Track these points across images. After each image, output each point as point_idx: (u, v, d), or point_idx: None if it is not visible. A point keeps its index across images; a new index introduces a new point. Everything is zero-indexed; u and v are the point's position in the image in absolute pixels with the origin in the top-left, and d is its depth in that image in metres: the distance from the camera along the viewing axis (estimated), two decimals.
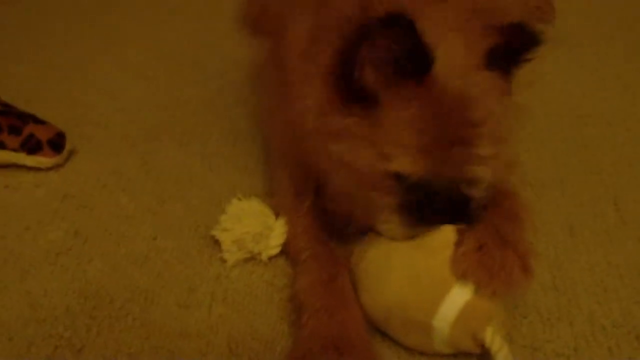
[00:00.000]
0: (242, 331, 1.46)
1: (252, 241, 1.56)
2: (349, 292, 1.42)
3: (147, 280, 1.57)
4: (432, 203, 1.31)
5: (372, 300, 1.39)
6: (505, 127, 1.33)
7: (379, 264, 1.39)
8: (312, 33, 1.38)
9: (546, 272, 1.58)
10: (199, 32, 2.47)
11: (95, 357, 1.41)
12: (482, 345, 1.30)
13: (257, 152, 1.89)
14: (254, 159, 1.88)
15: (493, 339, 1.29)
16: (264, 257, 1.57)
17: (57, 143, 1.86)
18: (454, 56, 1.26)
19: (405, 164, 1.25)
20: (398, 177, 1.28)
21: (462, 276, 1.30)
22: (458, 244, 1.34)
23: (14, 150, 1.84)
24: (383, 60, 1.21)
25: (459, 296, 1.30)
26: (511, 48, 1.31)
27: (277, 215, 1.61)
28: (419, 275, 1.33)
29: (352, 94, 1.27)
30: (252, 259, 1.59)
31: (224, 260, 1.59)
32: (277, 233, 1.57)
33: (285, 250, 1.58)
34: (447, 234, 1.34)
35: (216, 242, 1.61)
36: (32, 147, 1.85)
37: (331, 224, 1.51)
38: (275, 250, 1.57)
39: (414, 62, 1.20)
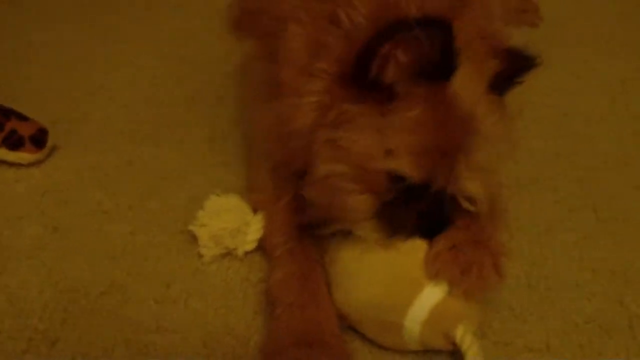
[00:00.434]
0: (217, 326, 1.46)
1: (229, 237, 1.57)
2: (322, 289, 1.43)
3: (123, 275, 1.57)
4: (418, 211, 1.32)
5: (345, 299, 1.40)
6: (502, 148, 1.35)
7: (352, 264, 1.40)
8: (310, 43, 1.38)
9: (520, 269, 1.59)
10: (184, 29, 2.46)
11: (69, 350, 1.41)
12: (454, 344, 1.31)
13: (236, 148, 1.90)
14: (233, 155, 1.89)
15: (464, 337, 1.30)
16: (241, 252, 1.58)
17: (39, 139, 1.87)
18: (467, 73, 1.28)
19: (404, 164, 1.26)
20: (392, 176, 1.28)
21: (434, 276, 1.31)
22: (431, 244, 1.35)
23: None
24: (409, 58, 1.22)
25: (430, 296, 1.31)
26: (510, 73, 1.36)
27: (254, 211, 1.61)
28: (391, 276, 1.34)
29: (366, 87, 1.28)
30: (229, 254, 1.60)
31: (201, 256, 1.60)
32: (254, 229, 1.57)
33: (262, 246, 1.58)
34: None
35: (194, 238, 1.61)
36: (14, 142, 1.85)
37: (305, 222, 1.50)
38: (251, 246, 1.58)
39: (441, 65, 1.22)
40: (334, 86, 1.31)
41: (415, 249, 1.35)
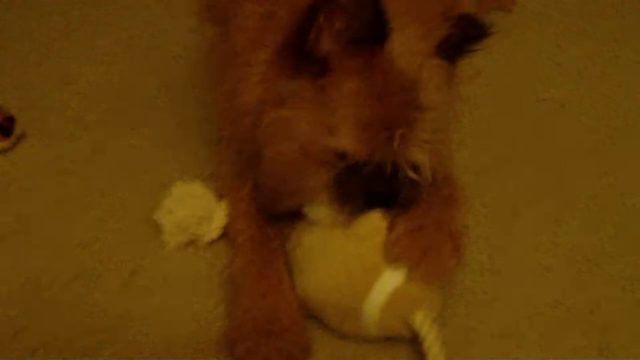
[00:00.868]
0: (181, 313, 1.48)
1: (195, 224, 1.57)
2: (284, 276, 1.44)
3: (90, 263, 1.58)
4: (367, 186, 1.32)
5: (306, 286, 1.40)
6: (448, 115, 1.35)
7: (313, 251, 1.40)
8: (262, 16, 1.38)
9: (484, 253, 1.59)
10: (157, 19, 2.45)
11: (33, 339, 1.43)
12: (413, 330, 1.31)
13: (206, 135, 1.89)
14: (202, 142, 1.88)
15: (423, 322, 1.30)
16: (206, 239, 1.58)
17: (5, 127, 1.85)
18: (409, 39, 1.28)
19: (348, 141, 1.26)
20: (338, 154, 1.28)
21: (394, 260, 1.31)
22: (390, 228, 1.35)
23: None
24: (341, 25, 1.22)
25: (389, 281, 1.31)
26: (460, 39, 1.33)
27: (220, 198, 1.61)
28: (351, 262, 1.34)
29: (303, 59, 1.28)
30: (194, 241, 1.60)
31: (166, 243, 1.59)
32: (218, 216, 1.58)
33: (226, 233, 1.59)
34: (377, 220, 1.35)
35: (160, 225, 1.60)
36: None
37: (260, 204, 1.51)
38: (216, 233, 1.58)
39: (372, 30, 1.21)
40: (276, 57, 1.31)
41: (375, 233, 1.34)
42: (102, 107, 2.02)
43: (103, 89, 2.09)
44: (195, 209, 1.57)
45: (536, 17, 2.42)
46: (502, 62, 2.18)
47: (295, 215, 1.45)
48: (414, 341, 1.35)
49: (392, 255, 1.31)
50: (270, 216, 1.53)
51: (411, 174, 1.31)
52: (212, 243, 1.60)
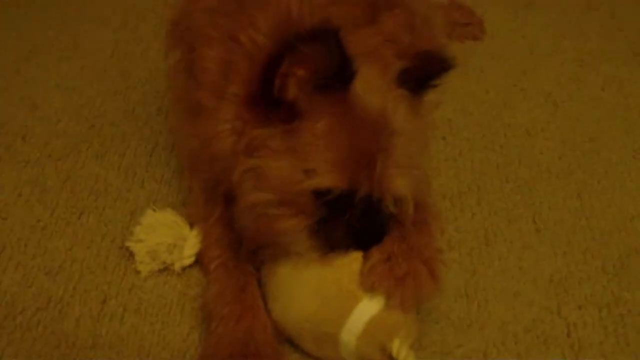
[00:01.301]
0: (153, 342, 1.46)
1: (166, 252, 1.56)
2: (258, 301, 1.43)
3: (60, 291, 1.56)
4: (350, 221, 1.31)
5: (282, 313, 1.40)
6: (418, 142, 1.36)
7: (289, 278, 1.40)
8: (222, 63, 1.38)
9: (459, 278, 1.59)
10: (124, 43, 2.45)
11: None
12: (390, 357, 1.31)
13: (174, 162, 1.88)
14: (171, 169, 1.87)
15: (400, 350, 1.30)
16: (178, 267, 1.57)
17: None
18: (369, 76, 1.29)
19: (326, 179, 1.26)
20: (318, 193, 1.28)
21: (370, 289, 1.31)
22: (366, 256, 1.35)
23: None
24: (307, 72, 1.23)
25: (366, 309, 1.31)
26: (422, 73, 1.36)
27: (191, 225, 1.60)
28: (327, 288, 1.34)
29: (271, 107, 1.28)
30: (166, 269, 1.59)
31: (137, 271, 1.58)
32: (190, 243, 1.56)
33: (199, 260, 1.58)
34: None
35: (131, 253, 1.60)
36: None
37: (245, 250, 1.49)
38: (189, 261, 1.57)
39: (337, 75, 1.22)
40: (243, 110, 1.32)
41: (351, 261, 1.34)
42: (68, 133, 2.01)
43: (69, 115, 2.08)
44: (167, 237, 1.56)
45: (503, 44, 2.45)
46: (471, 88, 2.20)
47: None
48: None
49: (368, 284, 1.31)
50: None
51: (393, 208, 1.32)
52: (184, 270, 1.58)
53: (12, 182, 1.85)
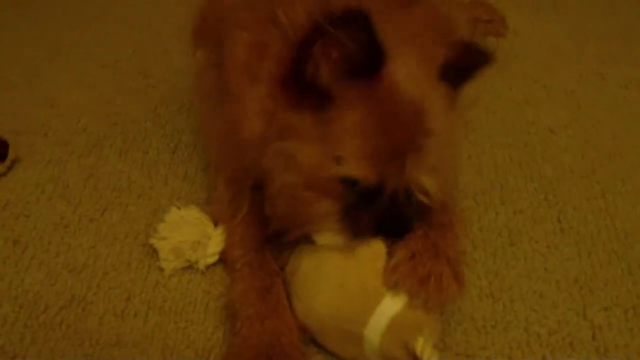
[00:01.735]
0: (177, 340, 1.45)
1: (190, 249, 1.55)
2: (283, 301, 1.43)
3: (83, 289, 1.56)
4: (376, 212, 1.30)
5: (306, 311, 1.39)
6: (453, 139, 1.35)
7: (312, 275, 1.39)
8: (254, 46, 1.37)
9: (483, 279, 1.58)
10: (145, 41, 2.45)
11: None
12: (414, 355, 1.30)
13: (197, 160, 1.89)
14: (194, 167, 1.88)
15: (424, 348, 1.28)
16: (202, 265, 1.57)
17: (0, 152, 1.84)
18: (409, 66, 1.27)
19: (355, 169, 1.25)
20: (346, 182, 1.27)
21: (393, 287, 1.30)
22: (390, 254, 1.34)
23: None
24: (338, 56, 1.21)
25: (389, 306, 1.30)
26: (462, 64, 1.33)
27: (215, 223, 1.60)
28: (351, 286, 1.33)
29: (304, 91, 1.27)
30: (190, 267, 1.59)
31: (161, 269, 1.58)
32: (214, 241, 1.56)
33: (223, 259, 1.57)
34: (377, 244, 1.35)
35: (154, 251, 1.60)
36: None
37: (267, 231, 1.49)
38: (212, 259, 1.57)
39: (367, 58, 1.20)
40: (275, 91, 1.30)
41: (375, 258, 1.34)
42: (90, 131, 2.02)
43: (90, 113, 2.09)
44: (191, 235, 1.56)
45: (526, 42, 2.44)
46: (494, 86, 2.19)
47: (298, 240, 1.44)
48: None
49: (392, 282, 1.30)
50: (270, 241, 1.51)
51: (423, 199, 1.30)
52: (208, 268, 1.58)
53: (35, 180, 1.85)
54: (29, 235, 1.69)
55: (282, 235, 1.43)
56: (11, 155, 1.87)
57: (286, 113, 1.29)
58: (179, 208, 1.62)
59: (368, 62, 1.21)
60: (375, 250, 1.35)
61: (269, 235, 1.50)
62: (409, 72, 1.26)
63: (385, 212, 1.31)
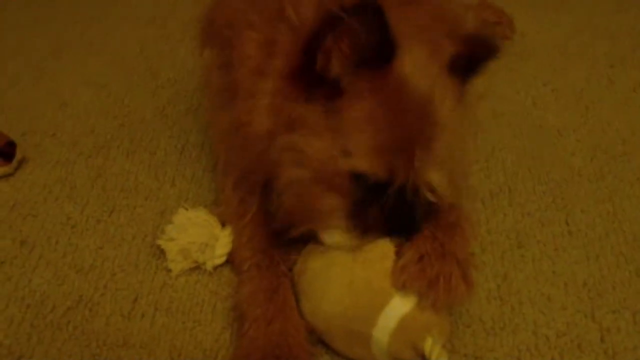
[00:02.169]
0: (184, 341, 1.45)
1: (198, 251, 1.55)
2: (290, 302, 1.42)
3: (91, 289, 1.56)
4: (384, 209, 1.30)
5: (314, 311, 1.39)
6: (462, 133, 1.34)
7: (321, 275, 1.39)
8: (263, 44, 1.37)
9: (491, 281, 1.58)
10: (152, 41, 2.46)
11: None
12: (422, 356, 1.30)
13: (205, 161, 1.89)
14: (201, 168, 1.88)
15: (432, 349, 1.29)
16: (209, 266, 1.57)
17: (7, 152, 1.85)
18: (419, 58, 1.27)
19: (363, 162, 1.25)
20: (355, 175, 1.27)
21: (402, 287, 1.30)
22: (398, 254, 1.34)
23: None
24: (349, 47, 1.20)
25: (398, 307, 1.30)
26: (471, 58, 1.32)
27: (223, 224, 1.60)
28: (359, 286, 1.33)
29: (314, 84, 1.26)
30: (198, 268, 1.59)
31: (169, 270, 1.58)
32: (222, 243, 1.56)
33: (230, 260, 1.57)
34: (385, 244, 1.35)
35: (162, 252, 1.60)
36: None
37: (274, 229, 1.49)
38: (220, 260, 1.57)
39: (378, 49, 1.20)
40: (284, 84, 1.29)
41: (383, 258, 1.34)
42: (97, 131, 2.03)
43: (98, 112, 2.10)
44: (199, 236, 1.56)
45: (533, 44, 2.44)
46: (501, 88, 2.19)
47: (305, 240, 1.44)
48: None
49: (400, 283, 1.30)
50: (279, 239, 1.51)
51: (430, 196, 1.29)
52: (216, 269, 1.58)
53: (42, 181, 1.86)
54: (37, 235, 1.69)
55: (287, 230, 1.43)
56: (18, 155, 1.87)
57: (295, 106, 1.28)
58: (186, 209, 1.62)
59: (379, 54, 1.21)
60: (383, 250, 1.34)
61: (275, 232, 1.50)
62: (418, 65, 1.26)
63: (394, 210, 1.30)
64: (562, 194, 1.84)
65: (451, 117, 1.28)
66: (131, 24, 2.56)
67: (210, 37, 1.63)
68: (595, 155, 1.98)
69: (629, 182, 1.89)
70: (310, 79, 1.26)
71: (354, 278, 1.33)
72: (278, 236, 1.50)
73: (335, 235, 1.36)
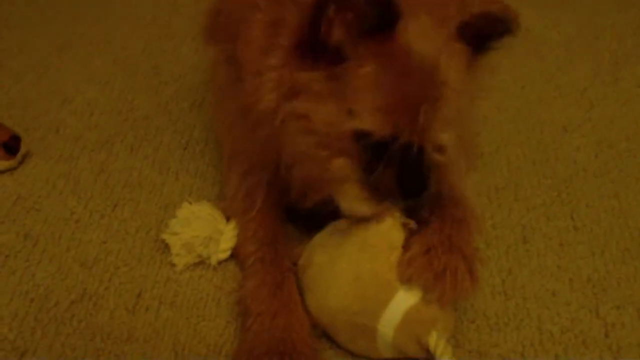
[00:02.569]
0: (188, 335, 1.45)
1: (202, 245, 1.55)
2: (295, 297, 1.42)
3: (95, 284, 1.55)
4: (394, 171, 1.29)
5: (318, 304, 1.39)
6: (468, 98, 1.35)
7: (326, 268, 1.39)
8: (269, 24, 1.37)
9: (496, 276, 1.58)
10: (155, 38, 2.45)
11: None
12: (427, 350, 1.30)
13: (209, 155, 1.89)
14: (205, 163, 1.88)
15: (437, 343, 1.29)
16: (213, 261, 1.56)
17: (11, 146, 1.84)
18: (424, 25, 1.26)
19: (368, 121, 1.24)
20: (359, 136, 1.26)
21: (407, 281, 1.30)
22: (405, 248, 1.34)
23: None
24: (351, 16, 1.20)
25: (403, 300, 1.30)
26: (482, 31, 1.32)
27: (227, 219, 1.60)
28: (364, 279, 1.32)
29: (318, 52, 1.26)
30: (202, 263, 1.59)
31: (173, 264, 1.58)
32: (226, 237, 1.56)
33: (235, 255, 1.57)
34: (393, 235, 1.34)
35: (166, 246, 1.60)
36: None
37: (289, 203, 1.52)
38: (224, 255, 1.57)
39: (381, 17, 1.20)
40: (290, 58, 1.29)
41: (388, 251, 1.33)
42: (101, 126, 2.03)
43: (101, 108, 2.10)
44: (203, 230, 1.56)
45: (538, 40, 2.43)
46: (506, 84, 2.19)
47: (313, 225, 1.47)
48: None
49: (407, 276, 1.30)
50: (290, 218, 1.56)
51: (436, 156, 1.29)
52: (220, 264, 1.58)
53: (46, 175, 1.85)
54: (40, 229, 1.69)
55: (303, 201, 1.44)
56: (23, 149, 1.86)
57: (299, 74, 1.28)
58: (190, 203, 1.62)
59: (382, 22, 1.21)
60: (390, 242, 1.34)
61: (290, 207, 1.54)
62: (423, 30, 1.26)
63: (403, 171, 1.29)
64: (567, 189, 1.84)
65: (456, 78, 1.28)
66: (134, 22, 2.56)
67: (216, 31, 1.63)
68: (600, 151, 1.98)
69: (634, 178, 1.89)
70: (314, 49, 1.26)
71: (359, 271, 1.33)
72: (293, 212, 1.53)
73: (352, 203, 1.35)
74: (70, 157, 1.91)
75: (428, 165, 1.31)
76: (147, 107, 2.11)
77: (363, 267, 1.33)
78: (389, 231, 1.35)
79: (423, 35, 1.25)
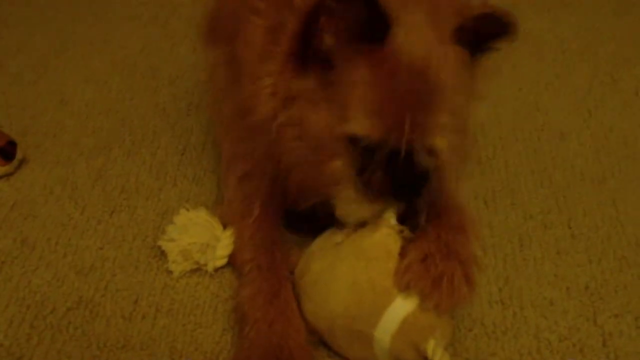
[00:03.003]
0: (185, 343, 1.45)
1: (199, 252, 1.55)
2: (291, 304, 1.42)
3: (91, 291, 1.55)
4: (389, 173, 1.29)
5: (315, 311, 1.39)
6: (464, 101, 1.34)
7: (324, 275, 1.39)
8: (269, 30, 1.37)
9: (493, 284, 1.57)
10: (154, 39, 2.45)
11: None
12: (425, 358, 1.30)
13: (206, 161, 1.89)
14: (203, 168, 1.88)
15: (435, 351, 1.28)
16: (210, 268, 1.56)
17: (7, 152, 1.84)
18: (416, 28, 1.26)
19: (360, 125, 1.25)
20: (353, 140, 1.27)
21: (405, 288, 1.29)
22: (402, 254, 1.33)
23: None
24: (341, 26, 1.22)
25: (401, 307, 1.30)
26: (480, 33, 1.31)
27: (224, 225, 1.59)
28: (362, 286, 1.32)
29: (310, 59, 1.27)
30: (199, 270, 1.58)
31: (169, 271, 1.58)
32: (223, 244, 1.55)
33: (232, 262, 1.57)
34: (389, 243, 1.34)
35: (163, 253, 1.59)
36: None
37: (287, 207, 1.52)
38: (221, 261, 1.56)
39: (371, 27, 1.21)
40: (286, 66, 1.30)
41: (385, 258, 1.33)
42: (98, 130, 2.02)
43: (99, 110, 2.10)
44: (200, 237, 1.55)
45: (536, 45, 2.43)
46: (503, 89, 2.18)
47: (311, 230, 1.47)
48: None
49: (403, 283, 1.30)
50: (287, 225, 1.55)
51: (427, 159, 1.29)
52: (217, 271, 1.57)
53: (43, 181, 1.85)
54: (37, 235, 1.68)
55: (300, 204, 1.45)
56: (19, 155, 1.86)
57: (293, 82, 1.29)
58: (187, 210, 1.62)
59: (372, 28, 1.22)
60: (387, 249, 1.34)
61: (288, 208, 1.53)
62: (416, 34, 1.26)
63: (395, 174, 1.29)
64: (565, 196, 1.83)
65: (450, 82, 1.27)
66: (132, 23, 2.56)
67: (214, 35, 1.63)
68: (598, 158, 1.98)
69: (632, 185, 1.88)
70: (307, 56, 1.28)
71: (357, 278, 1.33)
72: (290, 216, 1.53)
73: (347, 205, 1.36)
74: (67, 163, 1.91)
75: (420, 169, 1.30)
76: (145, 109, 2.10)
77: (360, 274, 1.33)
78: (385, 239, 1.35)
79: (416, 39, 1.25)
